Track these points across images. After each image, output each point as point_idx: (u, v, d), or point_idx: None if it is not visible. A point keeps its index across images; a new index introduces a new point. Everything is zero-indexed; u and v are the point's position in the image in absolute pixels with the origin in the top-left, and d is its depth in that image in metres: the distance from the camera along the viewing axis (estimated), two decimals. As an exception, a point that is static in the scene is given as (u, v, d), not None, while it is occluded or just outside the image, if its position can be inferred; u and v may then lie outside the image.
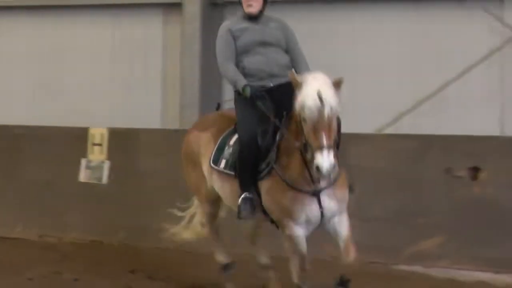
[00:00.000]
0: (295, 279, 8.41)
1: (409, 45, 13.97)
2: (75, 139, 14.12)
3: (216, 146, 9.12)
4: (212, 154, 9.18)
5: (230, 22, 9.18)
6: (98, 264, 12.04)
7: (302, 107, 7.61)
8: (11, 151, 14.46)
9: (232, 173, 8.84)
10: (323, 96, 7.48)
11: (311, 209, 8.07)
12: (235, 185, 8.81)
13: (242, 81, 8.64)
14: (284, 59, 8.87)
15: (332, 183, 8.06)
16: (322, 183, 7.99)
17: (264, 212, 8.67)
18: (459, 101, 13.80)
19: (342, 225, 8.33)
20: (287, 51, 8.98)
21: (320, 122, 7.49)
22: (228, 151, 8.95)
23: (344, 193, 8.36)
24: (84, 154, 14.01)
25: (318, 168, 7.37)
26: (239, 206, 8.66)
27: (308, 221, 8.14)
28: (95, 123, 14.34)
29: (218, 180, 9.13)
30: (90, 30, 16.34)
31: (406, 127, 13.25)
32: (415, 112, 13.81)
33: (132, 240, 13.03)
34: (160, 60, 15.93)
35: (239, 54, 8.86)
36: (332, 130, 7.57)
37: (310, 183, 8.01)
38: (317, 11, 12.78)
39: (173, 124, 15.30)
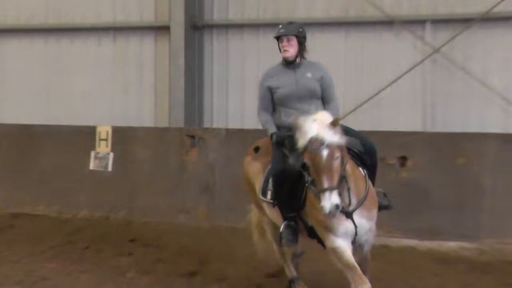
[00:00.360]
0: None
1: (352, 59, 14.05)
2: (86, 135, 14.08)
3: (264, 178, 8.20)
4: (260, 185, 8.27)
5: (269, 71, 8.16)
6: (104, 235, 12.14)
7: (303, 151, 6.86)
8: (35, 145, 14.42)
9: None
10: (322, 141, 6.69)
11: (347, 226, 7.20)
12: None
13: (271, 130, 8.01)
14: (316, 110, 7.50)
15: (362, 203, 7.23)
16: (354, 203, 7.17)
17: (309, 235, 7.86)
18: (391, 103, 13.90)
19: (366, 248, 7.64)
20: (322, 96, 7.97)
21: (320, 166, 6.70)
22: (271, 182, 8.02)
23: (371, 213, 7.43)
24: (93, 147, 13.98)
25: (322, 208, 6.63)
26: (281, 233, 7.88)
27: (346, 233, 7.23)
28: (101, 122, 14.38)
29: (268, 209, 8.27)
30: (97, 47, 16.28)
31: (350, 124, 12.96)
32: (357, 112, 13.96)
33: (131, 215, 13.07)
34: (153, 71, 15.84)
35: (277, 105, 7.99)
36: (333, 171, 6.73)
37: (344, 204, 7.06)
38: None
39: (163, 123, 15.31)
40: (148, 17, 15.97)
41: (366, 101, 13.94)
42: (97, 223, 12.87)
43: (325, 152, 6.67)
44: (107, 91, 15.98)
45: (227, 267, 9.86)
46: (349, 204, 7.16)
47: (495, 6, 13.47)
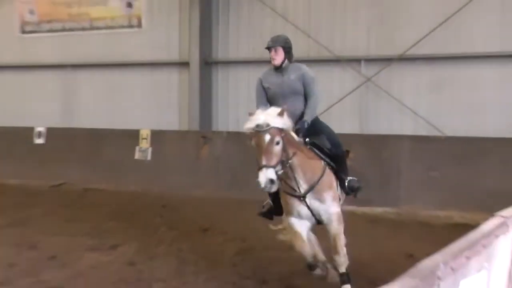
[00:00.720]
0: (306, 258, 6.51)
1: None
2: (133, 136, 14.11)
3: None
4: None
5: (263, 74, 7.13)
6: (144, 203, 12.09)
7: (249, 135, 6.07)
8: (99, 142, 14.55)
9: None
10: (265, 126, 5.90)
11: (301, 208, 6.38)
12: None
13: None
14: (297, 105, 6.79)
15: (313, 188, 6.33)
16: (304, 188, 6.32)
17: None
18: (338, 114, 13.74)
19: (330, 226, 6.45)
20: (304, 92, 6.89)
21: (261, 146, 5.88)
22: None
23: (324, 194, 6.39)
24: (137, 143, 14.01)
25: (257, 183, 5.82)
26: (262, 207, 6.98)
27: (300, 216, 6.41)
28: (143, 127, 14.34)
29: None
30: (139, 77, 16.27)
31: None
32: None
33: (163, 190, 12.87)
34: (177, 93, 15.81)
35: (270, 101, 6.83)
36: (272, 153, 5.86)
37: (295, 189, 6.35)
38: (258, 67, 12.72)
39: (184, 128, 15.35)
40: (174, 56, 15.92)
41: (322, 113, 13.76)
42: (140, 195, 12.75)
43: (267, 136, 5.86)
44: (147, 107, 15.92)
45: (229, 225, 9.85)
46: (298, 190, 6.32)
47: (407, 50, 13.57)
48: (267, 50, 7.04)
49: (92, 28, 16.78)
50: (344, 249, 6.46)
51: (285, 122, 6.10)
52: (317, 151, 6.68)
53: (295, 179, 6.29)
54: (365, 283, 6.56)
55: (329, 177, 6.62)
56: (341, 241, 6.46)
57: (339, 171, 6.81)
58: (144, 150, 14.02)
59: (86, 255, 8.47)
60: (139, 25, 16.37)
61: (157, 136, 14.07)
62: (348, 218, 7.24)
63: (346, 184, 6.82)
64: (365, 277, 6.88)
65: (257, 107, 6.75)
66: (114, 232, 9.74)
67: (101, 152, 14.32)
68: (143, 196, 12.67)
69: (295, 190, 6.36)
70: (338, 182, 6.78)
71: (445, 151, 11.69)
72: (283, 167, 6.06)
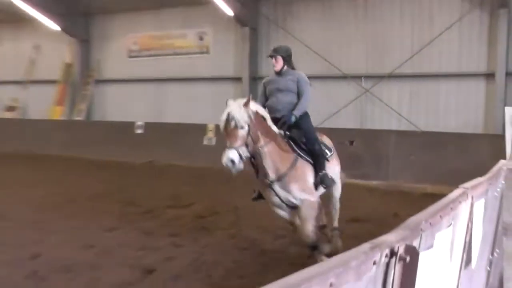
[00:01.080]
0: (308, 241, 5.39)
1: (325, 95, 13.77)
2: (202, 128, 14.09)
3: None
4: None
5: (266, 78, 6.00)
6: (210, 176, 11.74)
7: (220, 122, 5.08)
8: (175, 135, 14.40)
9: None
10: (230, 115, 4.95)
11: (270, 195, 5.35)
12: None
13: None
14: (288, 98, 5.66)
15: (281, 178, 5.21)
16: (272, 177, 5.22)
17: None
18: (344, 116, 13.77)
19: (300, 211, 5.27)
20: (298, 91, 5.65)
21: (227, 132, 5.02)
22: None
23: (291, 185, 5.23)
24: (205, 134, 14.00)
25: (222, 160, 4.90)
26: (253, 191, 5.85)
27: (275, 203, 5.45)
28: (209, 122, 14.28)
29: None
30: (200, 88, 16.27)
31: (326, 123, 12.93)
32: (328, 120, 13.69)
33: (224, 167, 12.90)
34: (232, 100, 15.75)
35: (268, 96, 5.78)
36: (236, 137, 4.94)
37: (264, 177, 5.26)
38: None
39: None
40: (231, 73, 15.91)
41: (331, 116, 13.80)
42: (207, 170, 12.56)
43: (232, 122, 4.95)
44: (212, 108, 15.59)
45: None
46: (266, 177, 5.25)
47: (394, 70, 13.40)
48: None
49: (175, 54, 16.87)
50: (310, 231, 5.30)
51: (248, 113, 5.05)
52: (293, 144, 5.47)
53: (263, 167, 5.20)
54: (364, 233, 6.48)
55: (300, 170, 5.36)
56: (308, 224, 5.28)
57: (315, 165, 5.50)
58: (210, 138, 13.95)
59: (169, 210, 8.50)
60: (207, 51, 16.39)
61: (219, 129, 13.94)
62: (352, 188, 7.20)
63: (319, 176, 5.48)
64: (364, 230, 6.81)
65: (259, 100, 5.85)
66: (188, 195, 9.71)
67: (180, 139, 14.25)
68: (209, 170, 12.58)
69: (266, 177, 5.25)
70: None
71: (420, 142, 11.60)
72: (250, 150, 5.10)
